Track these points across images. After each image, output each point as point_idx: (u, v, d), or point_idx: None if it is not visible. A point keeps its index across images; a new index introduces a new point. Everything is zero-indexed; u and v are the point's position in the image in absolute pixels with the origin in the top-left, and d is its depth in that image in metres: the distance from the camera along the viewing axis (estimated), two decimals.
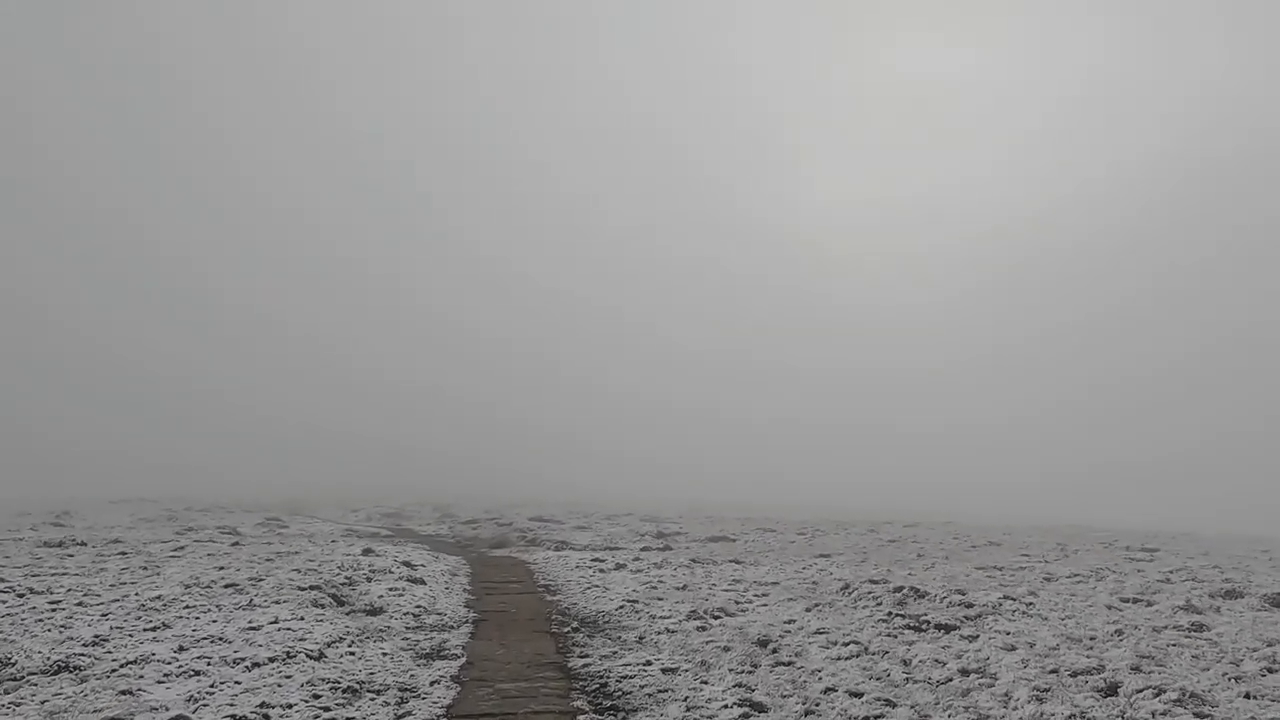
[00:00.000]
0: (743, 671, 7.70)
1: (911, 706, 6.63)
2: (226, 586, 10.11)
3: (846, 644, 8.78)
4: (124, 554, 12.88)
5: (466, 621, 10.22)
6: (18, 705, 6.01)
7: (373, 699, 6.63)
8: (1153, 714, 6.37)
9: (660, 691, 7.07)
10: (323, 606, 9.84)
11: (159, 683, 6.74)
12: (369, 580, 11.95)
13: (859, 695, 6.87)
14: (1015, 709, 6.56)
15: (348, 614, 10.01)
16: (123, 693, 6.35)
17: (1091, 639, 9.31)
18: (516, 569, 15.75)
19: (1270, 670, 7.77)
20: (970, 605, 11.18)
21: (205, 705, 6.17)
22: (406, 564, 13.59)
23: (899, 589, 12.14)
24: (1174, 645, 8.98)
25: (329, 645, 8.06)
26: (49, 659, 6.99)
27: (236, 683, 6.82)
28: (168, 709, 6.01)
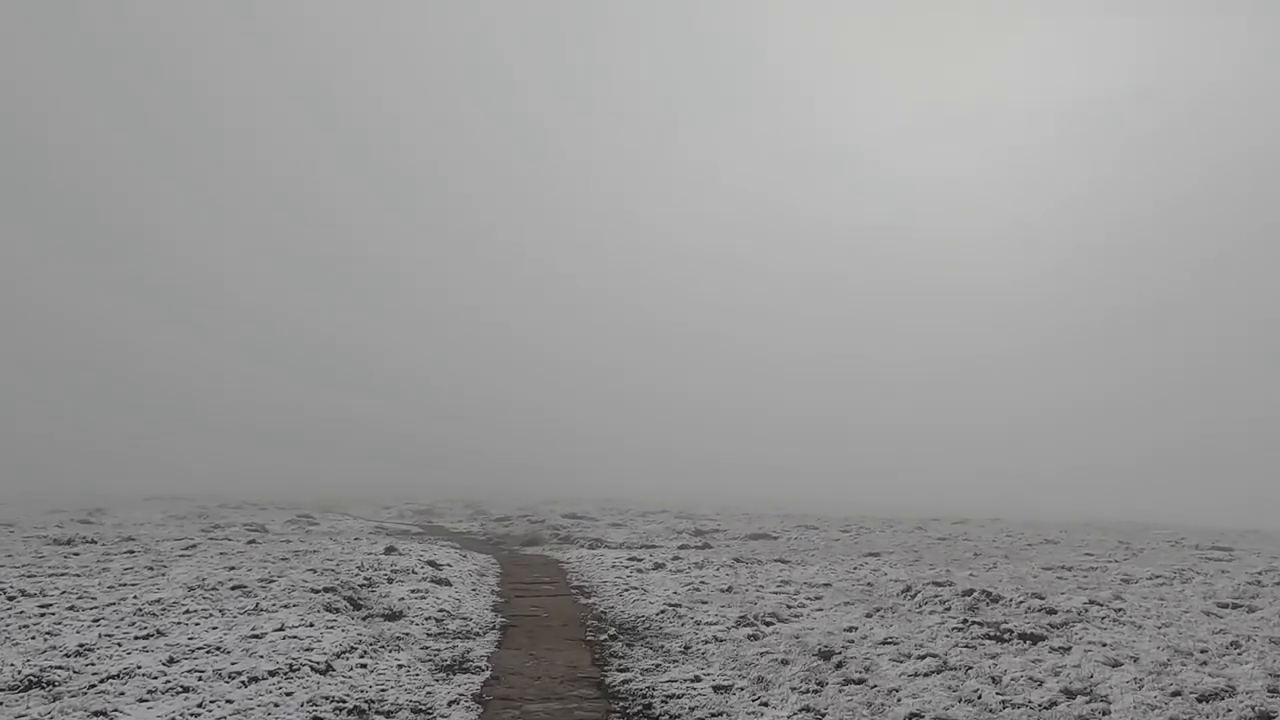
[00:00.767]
0: (807, 691, 6.67)
1: None
2: (234, 589, 9.31)
3: (921, 657, 7.70)
4: (131, 553, 12.20)
5: (493, 628, 9.30)
6: None
7: None
8: None
9: (714, 716, 6.07)
10: (336, 611, 8.98)
11: (141, 701, 5.90)
12: (390, 581, 11.10)
13: None
14: None
15: (364, 619, 9.15)
16: (95, 714, 5.51)
17: (1203, 652, 8.12)
18: (549, 569, 14.85)
19: None
20: (1052, 611, 10.01)
21: None
22: (431, 563, 12.74)
23: (968, 592, 11.00)
24: None
25: (338, 656, 7.18)
26: (21, 672, 6.19)
27: (229, 701, 5.95)
28: None
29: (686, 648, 8.42)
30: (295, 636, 7.53)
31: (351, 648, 7.46)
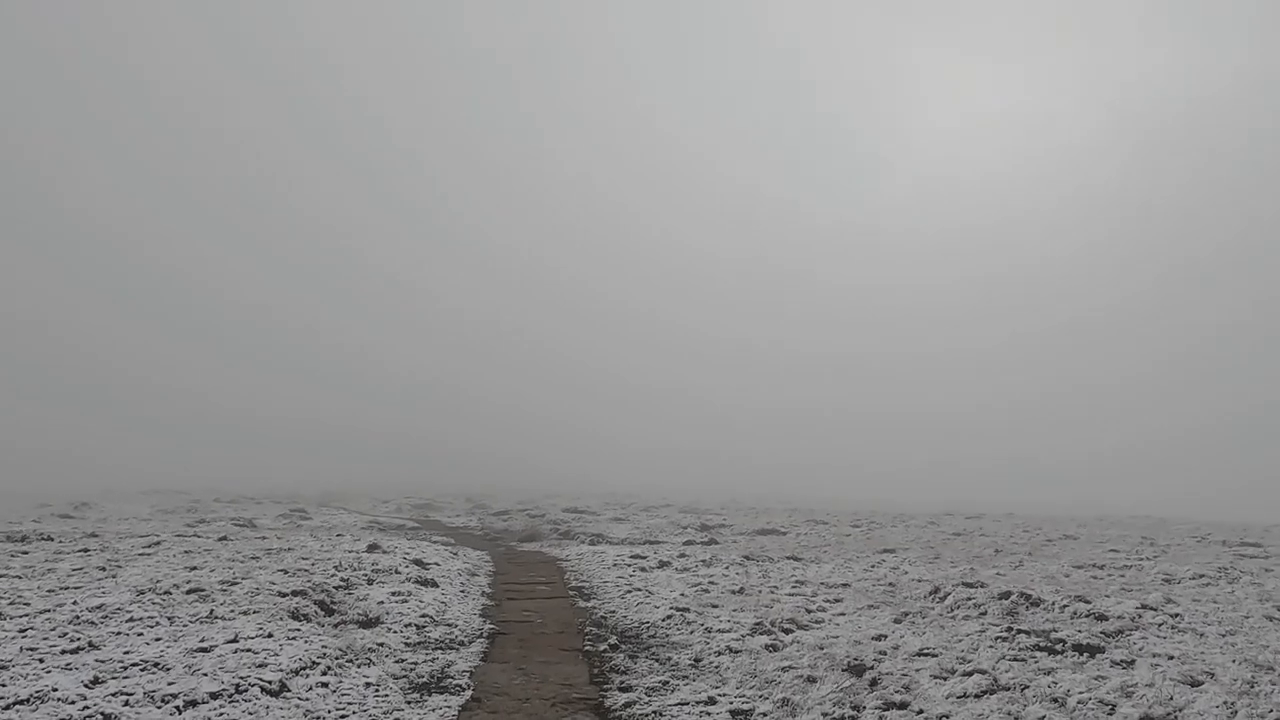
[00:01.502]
0: (841, 717, 5.68)
1: None
2: (190, 592, 8.33)
3: (968, 673, 6.70)
4: (86, 551, 11.23)
5: (481, 636, 8.32)
6: None
7: None
8: None
9: None
10: (304, 618, 8.00)
11: None
12: (370, 583, 10.13)
13: None
14: None
15: (336, 626, 8.18)
16: None
17: None
18: (546, 567, 13.87)
19: None
20: (1103, 617, 9.01)
21: None
22: (417, 562, 11.76)
23: (1004, 594, 10.00)
24: None
25: (296, 673, 6.20)
26: None
27: None
28: None
29: (697, 660, 7.44)
30: (249, 650, 6.55)
31: (314, 662, 6.48)
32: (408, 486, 64.50)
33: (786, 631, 8.62)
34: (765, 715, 5.71)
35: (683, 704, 5.98)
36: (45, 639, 6.60)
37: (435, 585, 10.49)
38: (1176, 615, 9.21)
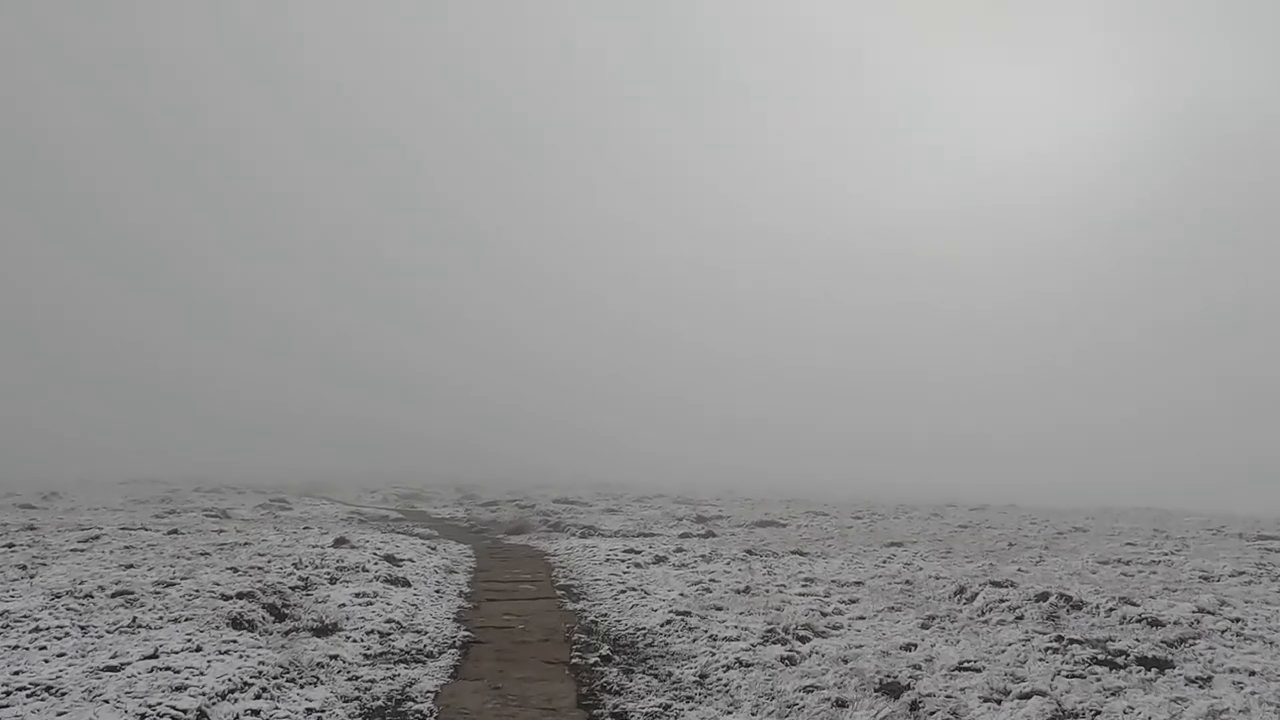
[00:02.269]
0: None
1: None
2: (116, 596, 7.23)
3: (1025, 695, 5.66)
4: (11, 546, 10.07)
5: (452, 645, 7.26)
6: None
7: None
8: None
9: None
10: (246, 625, 6.92)
11: None
12: (333, 582, 9.04)
13: None
14: None
15: (285, 634, 7.09)
16: None
17: None
18: (533, 563, 12.81)
19: None
20: (1157, 623, 8.00)
21: None
22: (389, 558, 10.68)
23: (1042, 596, 8.98)
24: None
25: (223, 697, 5.12)
26: None
27: None
28: None
29: (702, 677, 6.39)
30: (169, 668, 5.46)
31: (246, 683, 5.39)
32: (397, 477, 63.30)
33: (802, 639, 7.59)
34: None
35: None
36: None
37: (407, 585, 9.42)
38: (1238, 620, 8.20)
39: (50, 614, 6.54)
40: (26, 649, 5.76)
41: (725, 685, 6.15)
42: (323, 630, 7.31)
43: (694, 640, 7.54)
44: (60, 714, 4.70)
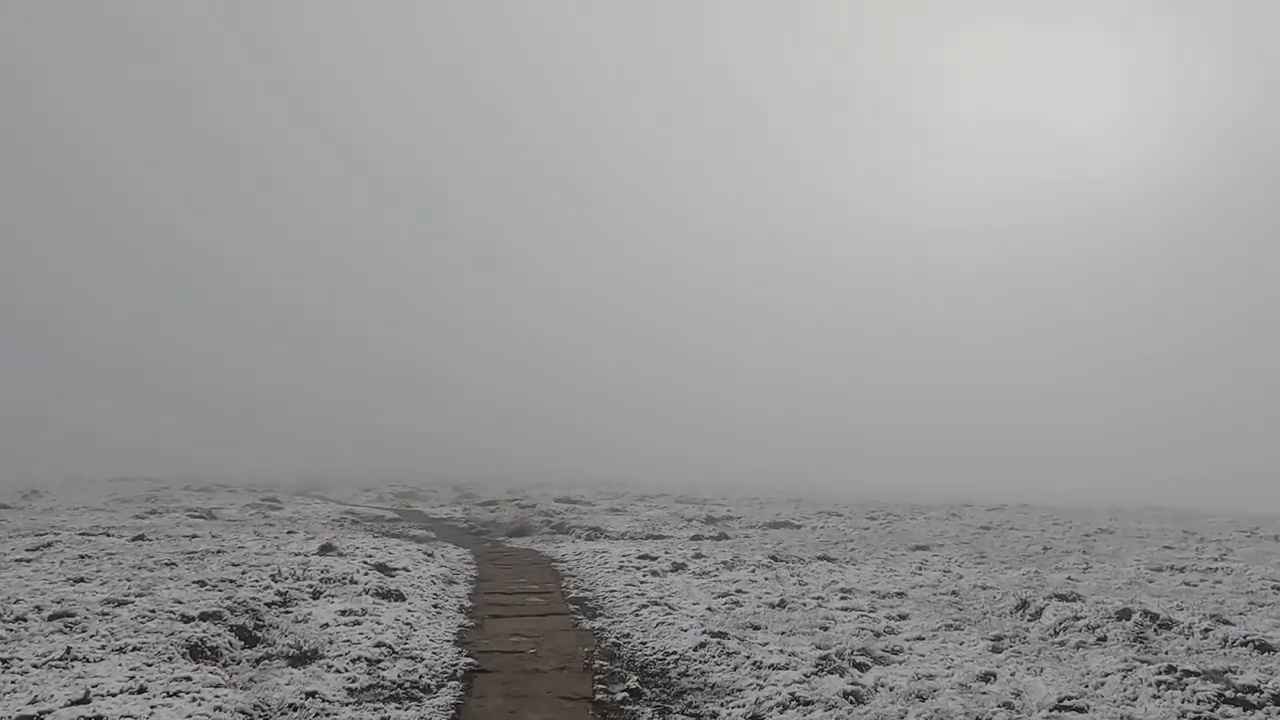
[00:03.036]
0: None
1: None
2: (55, 618, 6.13)
3: None
4: None
5: (453, 676, 6.16)
6: None
7: None
8: None
9: None
10: (207, 654, 5.82)
11: None
12: (316, 596, 7.94)
13: None
14: None
15: (256, 663, 6.00)
16: None
17: None
18: (539, 570, 11.72)
19: None
20: (1267, 647, 6.94)
21: None
22: (381, 568, 9.57)
23: (1123, 614, 7.91)
24: None
25: None
26: None
27: None
28: None
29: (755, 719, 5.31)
30: (101, 716, 4.36)
31: None
32: (394, 475, 62.17)
33: (861, 667, 6.51)
34: None
35: None
36: None
37: (401, 598, 8.31)
38: None
39: None
40: None
41: None
42: (300, 658, 6.21)
43: (735, 669, 6.46)
44: None
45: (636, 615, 8.39)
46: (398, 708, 5.35)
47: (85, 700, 4.60)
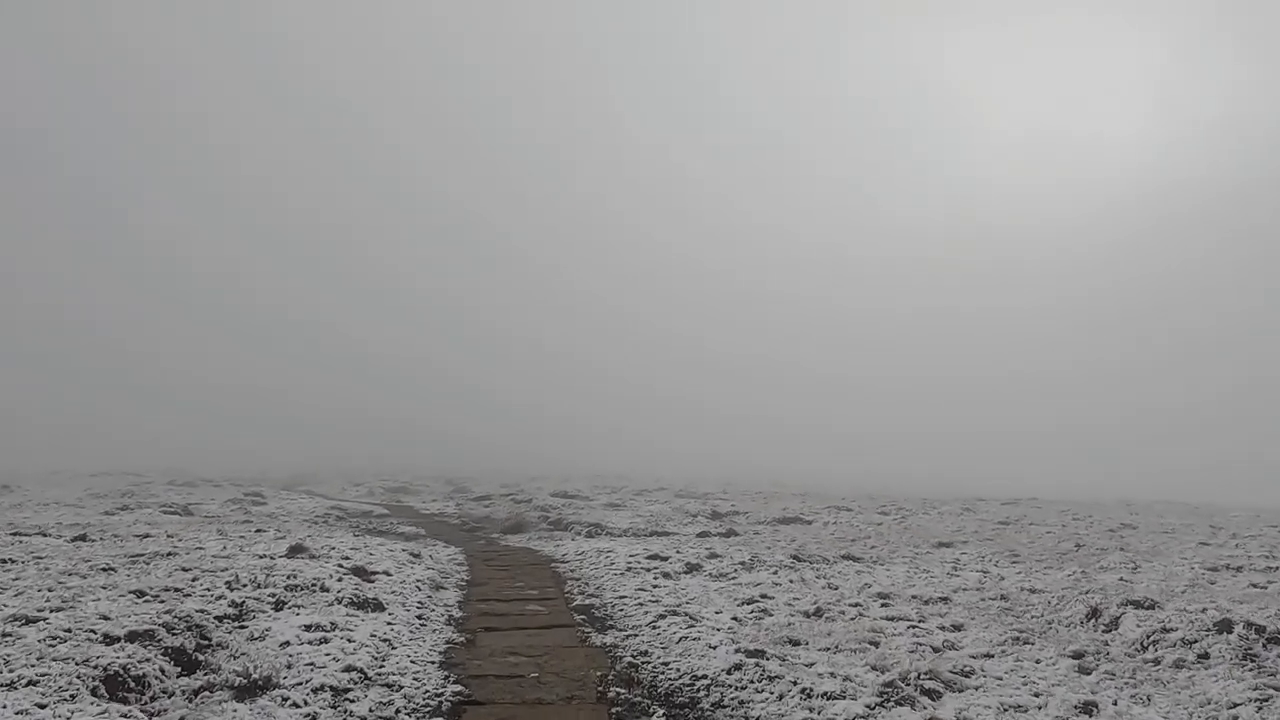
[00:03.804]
0: None
1: None
2: None
3: None
4: None
5: (436, 711, 5.01)
6: None
7: None
8: None
9: None
10: (129, 689, 4.65)
11: None
12: (279, 607, 6.77)
13: None
14: None
15: (191, 698, 4.83)
16: None
17: None
18: (538, 572, 10.57)
19: None
20: None
21: None
22: (358, 571, 8.40)
23: (1223, 625, 6.80)
24: None
25: None
26: None
27: None
28: None
29: None
30: None
31: None
32: (385, 468, 61.02)
33: (932, 694, 5.38)
34: None
35: None
36: None
37: (379, 608, 7.15)
38: None
39: None
40: None
41: None
42: (249, 689, 5.04)
43: (781, 698, 5.32)
44: None
45: (654, 627, 7.24)
46: None
47: None
